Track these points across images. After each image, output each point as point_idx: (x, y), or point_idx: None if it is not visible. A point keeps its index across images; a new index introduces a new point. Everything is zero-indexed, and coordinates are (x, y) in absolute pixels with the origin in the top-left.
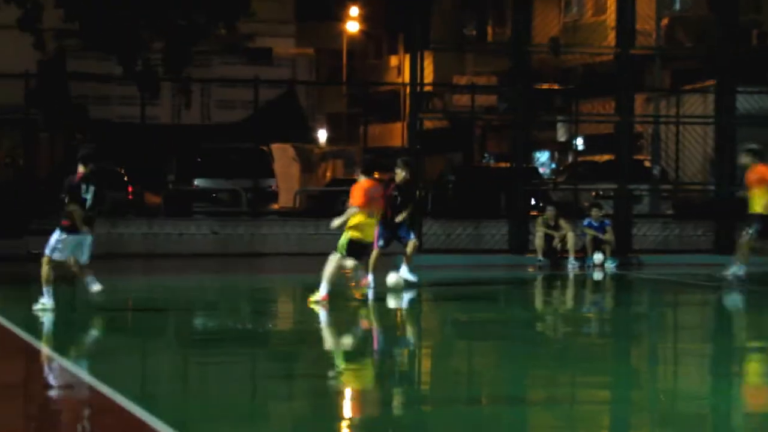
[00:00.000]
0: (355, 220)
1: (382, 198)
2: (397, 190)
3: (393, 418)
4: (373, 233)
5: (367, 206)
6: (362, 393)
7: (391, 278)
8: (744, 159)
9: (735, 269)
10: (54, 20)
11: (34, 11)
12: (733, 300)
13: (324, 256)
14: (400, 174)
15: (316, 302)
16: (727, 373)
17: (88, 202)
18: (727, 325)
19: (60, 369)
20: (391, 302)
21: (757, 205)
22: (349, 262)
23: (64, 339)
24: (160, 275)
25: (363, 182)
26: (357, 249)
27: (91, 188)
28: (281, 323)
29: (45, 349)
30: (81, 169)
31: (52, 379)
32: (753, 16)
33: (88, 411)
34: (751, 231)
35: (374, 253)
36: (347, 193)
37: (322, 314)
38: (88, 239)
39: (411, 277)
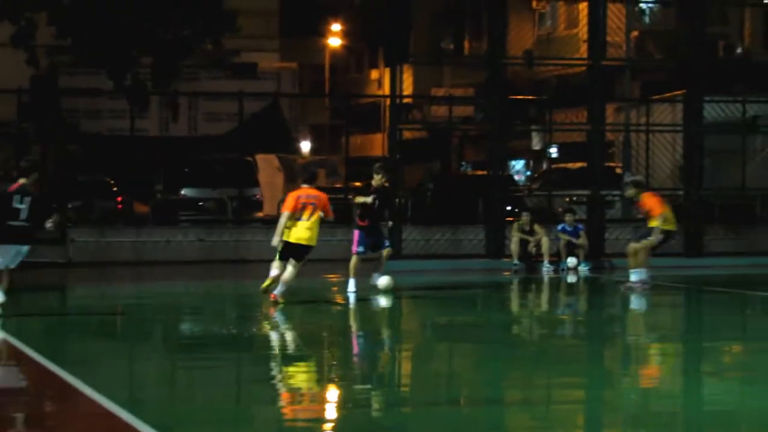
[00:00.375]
0: (289, 224)
1: (322, 203)
2: (375, 194)
3: (374, 420)
4: (309, 236)
5: (295, 211)
6: (344, 395)
7: (382, 281)
8: (629, 192)
9: (636, 275)
10: (46, 37)
11: (28, 29)
12: (701, 301)
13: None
14: (378, 179)
15: (266, 289)
16: (698, 371)
17: (23, 214)
18: (697, 325)
19: (47, 374)
20: (371, 306)
21: (656, 223)
22: (275, 270)
23: (52, 344)
24: (148, 281)
25: (298, 190)
26: (290, 251)
27: (27, 200)
28: (265, 328)
29: (33, 354)
30: (20, 180)
31: (39, 384)
32: (719, 29)
33: (75, 415)
34: (651, 238)
35: (354, 260)
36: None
37: (304, 317)
38: (24, 249)
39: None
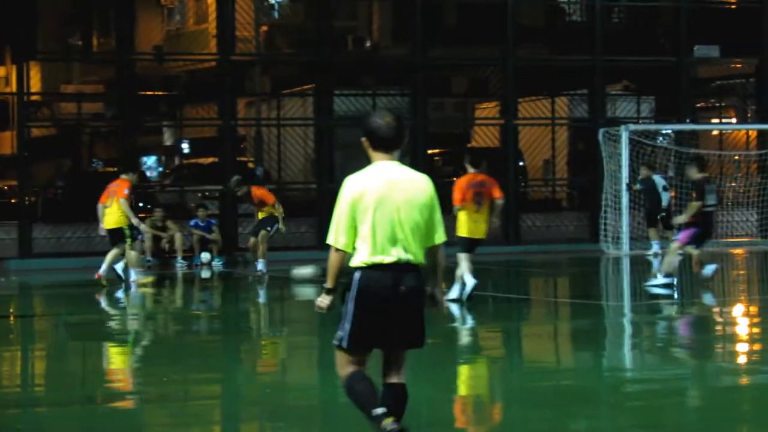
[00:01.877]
0: None
1: None
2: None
3: (5, 422)
4: None
5: None
6: None
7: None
8: (241, 192)
9: (260, 266)
10: None
11: None
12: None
13: None
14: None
15: None
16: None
17: None
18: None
19: None
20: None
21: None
22: None
23: None
24: None
25: None
26: None
27: None
28: None
29: None
30: None
31: None
32: (348, 23)
33: None
34: (271, 229)
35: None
36: None
37: None
38: None
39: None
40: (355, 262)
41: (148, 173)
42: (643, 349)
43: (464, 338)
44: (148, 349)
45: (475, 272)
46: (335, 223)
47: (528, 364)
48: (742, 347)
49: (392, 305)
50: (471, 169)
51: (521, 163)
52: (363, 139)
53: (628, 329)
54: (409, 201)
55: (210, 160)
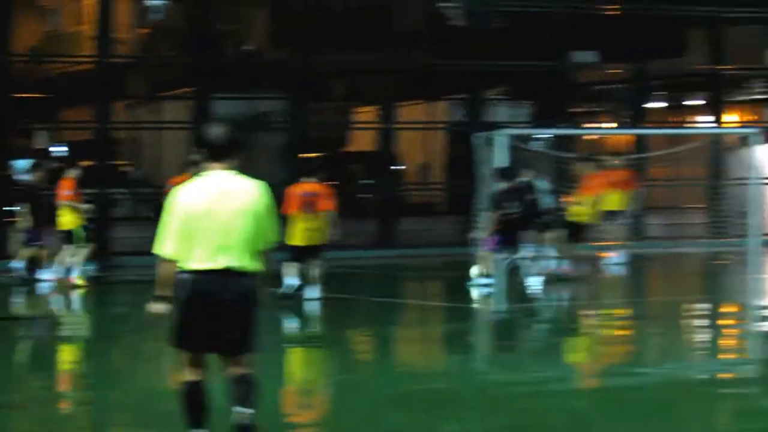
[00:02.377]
0: None
1: None
2: None
3: None
4: None
5: None
6: None
7: None
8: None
9: None
10: None
11: None
12: None
13: None
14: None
15: None
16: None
17: None
18: None
19: None
20: None
21: None
22: None
23: None
24: None
25: None
26: None
27: None
28: None
29: None
30: None
31: None
32: (229, 26)
33: None
34: None
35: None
36: None
37: None
38: None
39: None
40: (183, 268)
41: (19, 177)
42: (512, 351)
43: (333, 342)
44: (11, 356)
45: (348, 275)
46: (164, 232)
47: (398, 368)
48: (609, 349)
49: (216, 310)
50: (304, 178)
51: (399, 167)
52: (200, 149)
53: (497, 332)
54: (242, 209)
55: (85, 163)
